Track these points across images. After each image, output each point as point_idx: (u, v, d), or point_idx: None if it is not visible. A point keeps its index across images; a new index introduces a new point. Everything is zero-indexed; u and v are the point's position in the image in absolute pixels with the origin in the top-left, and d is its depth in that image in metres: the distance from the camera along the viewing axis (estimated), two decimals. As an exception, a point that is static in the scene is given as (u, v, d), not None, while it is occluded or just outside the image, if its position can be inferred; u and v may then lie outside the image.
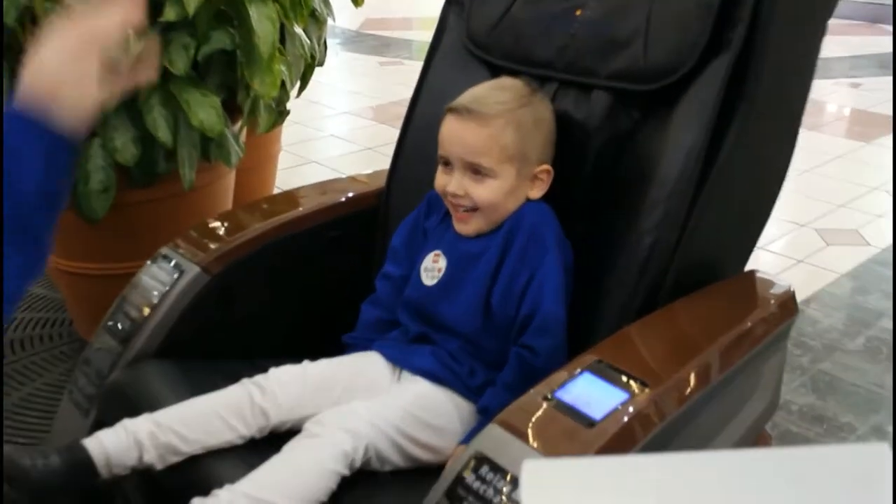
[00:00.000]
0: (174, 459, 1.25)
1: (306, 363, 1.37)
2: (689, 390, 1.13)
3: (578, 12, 1.49)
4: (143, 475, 1.27)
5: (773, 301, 1.36)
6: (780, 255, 3.20)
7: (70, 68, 0.87)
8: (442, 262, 1.41)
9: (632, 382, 1.10)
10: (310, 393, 1.31)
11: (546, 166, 1.39)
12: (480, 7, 1.61)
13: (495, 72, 1.58)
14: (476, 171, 1.35)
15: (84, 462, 1.21)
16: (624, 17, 1.42)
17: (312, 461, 1.16)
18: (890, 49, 6.38)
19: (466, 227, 1.39)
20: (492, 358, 1.34)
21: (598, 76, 1.45)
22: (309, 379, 1.33)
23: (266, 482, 1.14)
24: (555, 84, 1.50)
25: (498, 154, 1.34)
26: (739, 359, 1.23)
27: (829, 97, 5.15)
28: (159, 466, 1.25)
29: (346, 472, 1.17)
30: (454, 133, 1.36)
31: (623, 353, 1.16)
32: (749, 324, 1.27)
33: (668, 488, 0.76)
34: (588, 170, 1.43)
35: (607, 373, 1.11)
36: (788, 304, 1.37)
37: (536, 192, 1.39)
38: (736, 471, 0.79)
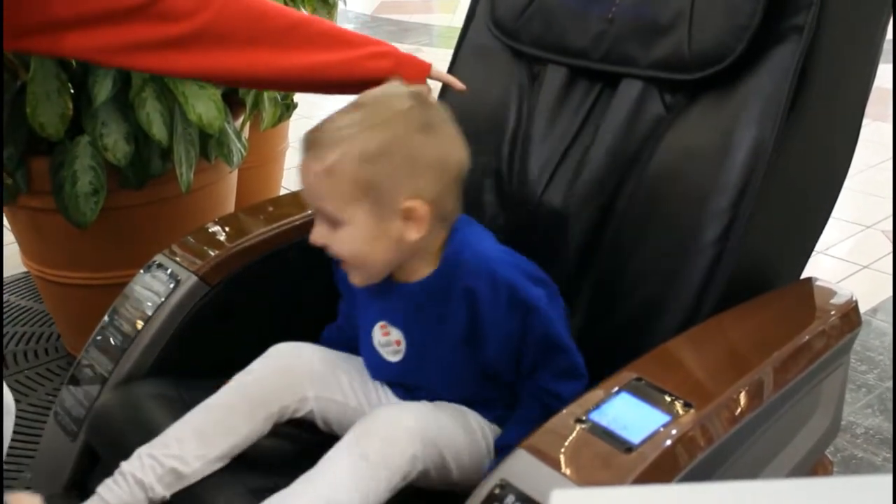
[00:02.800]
0: (183, 485, 1.26)
1: (299, 343, 1.40)
2: (738, 412, 1.12)
3: (619, -1, 1.50)
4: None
5: (833, 311, 1.35)
6: (842, 260, 3.20)
7: None
8: (395, 334, 1.34)
9: (675, 403, 1.09)
10: (310, 372, 1.35)
11: (416, 202, 1.20)
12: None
13: (524, 62, 1.60)
14: (329, 217, 1.22)
15: None
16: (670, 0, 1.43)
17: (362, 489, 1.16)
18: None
19: (355, 279, 1.29)
20: (507, 398, 1.34)
21: (638, 65, 1.45)
22: (307, 357, 1.37)
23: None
24: (584, 76, 1.53)
25: (339, 195, 1.19)
26: (796, 376, 1.22)
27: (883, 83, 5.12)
28: (167, 494, 1.26)
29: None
30: (301, 172, 1.24)
31: (665, 371, 1.16)
32: (806, 337, 1.26)
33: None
34: (627, 169, 1.44)
35: (647, 392, 1.11)
36: (850, 314, 1.37)
37: (413, 233, 1.21)
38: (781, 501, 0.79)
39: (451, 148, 1.24)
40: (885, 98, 4.89)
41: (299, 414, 1.36)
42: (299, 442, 1.38)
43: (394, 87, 1.29)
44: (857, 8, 1.38)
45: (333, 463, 1.18)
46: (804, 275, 1.50)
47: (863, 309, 2.82)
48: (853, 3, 1.36)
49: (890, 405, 2.43)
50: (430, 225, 1.23)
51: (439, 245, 1.28)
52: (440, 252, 1.28)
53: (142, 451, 1.27)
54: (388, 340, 1.34)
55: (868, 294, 2.96)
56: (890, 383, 2.52)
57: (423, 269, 1.29)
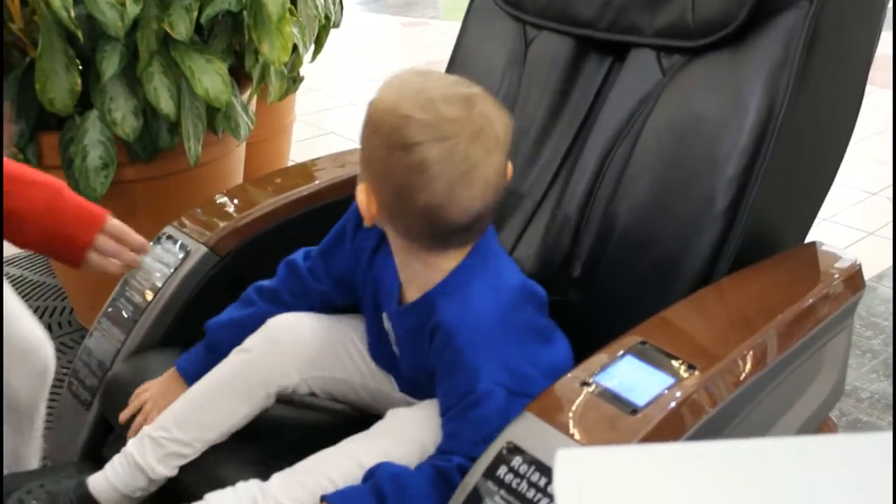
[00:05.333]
0: (183, 462, 1.28)
1: (301, 314, 1.35)
2: (743, 374, 1.13)
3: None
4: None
5: (836, 275, 1.35)
6: (848, 226, 3.19)
7: None
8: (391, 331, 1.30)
9: (679, 366, 1.10)
10: (304, 350, 1.31)
11: (367, 196, 1.17)
12: (512, -43, 1.62)
13: (529, 32, 1.60)
14: None
15: None
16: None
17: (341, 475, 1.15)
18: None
19: None
20: None
21: (643, 33, 1.45)
22: (304, 332, 1.32)
23: (288, 483, 1.15)
24: (594, 48, 1.52)
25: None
26: (799, 339, 1.22)
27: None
28: (172, 474, 1.27)
29: None
30: None
31: (669, 334, 1.16)
32: (810, 300, 1.27)
33: (713, 480, 0.77)
34: (634, 136, 1.43)
35: (652, 355, 1.12)
36: (854, 278, 1.36)
37: (367, 220, 1.19)
38: (787, 461, 0.79)
39: (422, 186, 1.09)
40: (889, 65, 4.87)
41: (301, 391, 1.34)
42: (301, 409, 1.39)
43: (459, 88, 1.14)
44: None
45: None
46: (809, 240, 1.50)
47: (868, 275, 2.83)
48: None
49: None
50: (389, 230, 1.19)
51: (441, 272, 1.19)
52: (439, 280, 1.19)
53: (144, 433, 1.28)
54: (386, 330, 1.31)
55: (874, 261, 2.96)
56: (895, 348, 2.53)
57: (414, 292, 1.23)
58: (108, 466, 1.28)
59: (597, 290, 1.42)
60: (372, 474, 1.10)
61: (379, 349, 1.33)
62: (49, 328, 2.48)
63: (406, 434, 1.17)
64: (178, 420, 1.27)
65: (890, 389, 2.36)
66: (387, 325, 1.29)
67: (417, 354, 1.21)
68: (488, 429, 1.08)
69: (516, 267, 1.26)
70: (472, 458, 1.07)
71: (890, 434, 0.85)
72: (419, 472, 1.10)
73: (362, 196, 1.15)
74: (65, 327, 2.50)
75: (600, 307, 1.40)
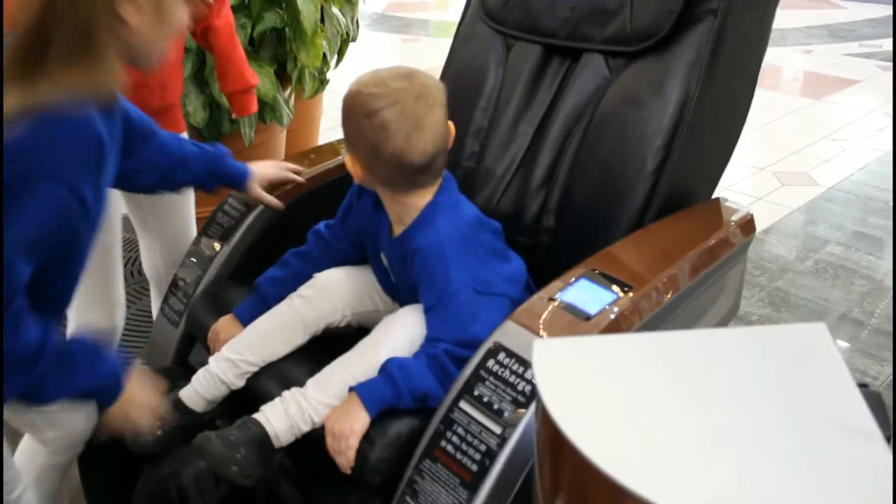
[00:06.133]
0: (251, 373, 1.28)
1: (340, 269, 1.37)
2: (665, 291, 1.16)
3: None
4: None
5: (734, 222, 1.38)
6: (742, 194, 3.22)
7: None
8: (386, 263, 1.32)
9: (620, 286, 1.13)
10: (346, 296, 1.32)
11: (350, 160, 1.21)
12: (493, -15, 1.62)
13: (508, 42, 1.60)
14: None
15: (189, 413, 1.26)
16: (618, -10, 1.43)
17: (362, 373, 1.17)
18: (839, 20, 6.29)
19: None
20: None
21: (593, 41, 1.46)
22: (344, 283, 1.34)
23: (322, 387, 1.17)
24: (556, 53, 1.53)
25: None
26: (706, 268, 1.25)
27: (785, 62, 5.10)
28: (241, 384, 1.28)
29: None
30: None
31: (613, 263, 1.19)
32: (714, 240, 1.30)
33: (647, 356, 0.82)
34: (588, 118, 1.44)
35: (599, 279, 1.15)
36: (747, 225, 1.39)
37: (356, 178, 1.24)
38: (700, 344, 0.84)
39: (388, 141, 1.14)
40: (773, 73, 4.89)
41: (341, 325, 1.34)
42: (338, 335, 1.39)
43: (397, 74, 1.18)
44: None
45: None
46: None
47: (757, 231, 2.88)
48: None
49: (776, 300, 2.49)
50: (373, 182, 1.22)
51: (414, 213, 1.23)
52: (414, 217, 1.23)
53: (221, 355, 1.28)
54: (385, 266, 1.34)
55: (762, 220, 3.00)
56: (776, 284, 2.58)
57: (399, 229, 1.26)
58: (195, 380, 1.28)
59: (561, 233, 1.43)
60: (384, 367, 1.13)
61: (384, 281, 1.35)
62: (140, 272, 2.46)
63: (401, 329, 1.20)
64: (250, 346, 1.28)
65: (774, 314, 2.42)
66: (384, 261, 1.32)
67: (407, 276, 1.25)
68: (462, 318, 1.14)
69: (473, 206, 1.30)
70: (455, 343, 1.12)
71: (772, 327, 0.89)
72: (417, 359, 1.13)
73: (349, 162, 1.21)
74: (135, 277, 2.44)
75: (564, 246, 1.41)
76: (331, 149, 1.81)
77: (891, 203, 3.13)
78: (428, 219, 1.21)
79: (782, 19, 6.41)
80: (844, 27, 6.04)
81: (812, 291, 2.52)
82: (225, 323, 1.37)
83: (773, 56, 5.20)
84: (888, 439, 0.77)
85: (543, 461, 0.78)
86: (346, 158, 1.22)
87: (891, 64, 5.01)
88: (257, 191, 1.46)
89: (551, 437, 0.73)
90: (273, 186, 1.52)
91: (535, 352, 0.81)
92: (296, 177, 1.53)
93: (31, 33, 0.91)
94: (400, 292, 1.32)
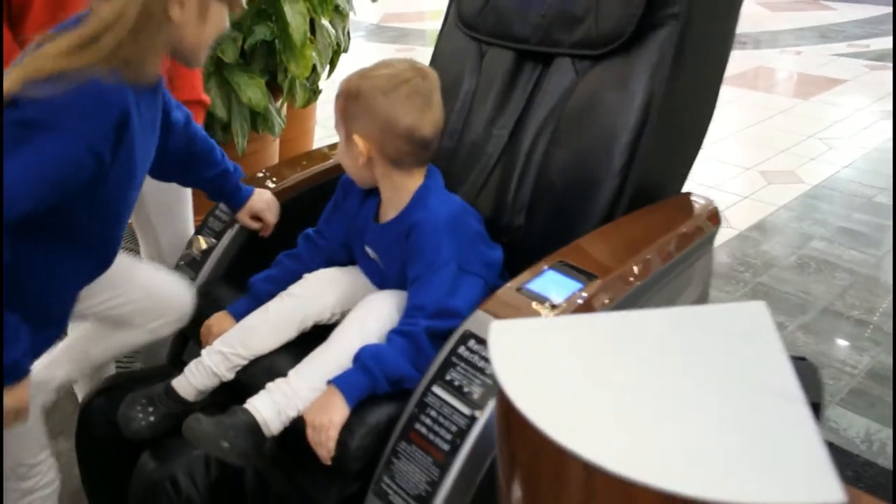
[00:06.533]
0: (241, 366, 1.34)
1: (329, 270, 1.43)
2: (631, 280, 1.22)
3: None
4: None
5: (700, 214, 1.43)
6: (729, 192, 3.27)
7: None
8: (373, 254, 1.39)
9: (585, 275, 1.19)
10: (334, 294, 1.38)
11: (359, 138, 1.29)
12: (469, -4, 1.70)
13: (483, 48, 1.67)
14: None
15: (180, 402, 1.32)
16: (585, -3, 1.50)
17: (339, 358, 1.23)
18: (829, 21, 6.35)
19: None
20: None
21: (562, 46, 1.52)
22: (333, 282, 1.40)
23: (303, 374, 1.23)
24: (529, 58, 1.59)
25: (338, 118, 1.34)
26: (673, 257, 1.30)
27: (775, 63, 5.16)
28: (231, 377, 1.33)
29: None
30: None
31: (580, 255, 1.24)
32: (679, 231, 1.35)
33: (597, 334, 0.88)
34: (556, 119, 1.49)
35: (567, 269, 1.20)
36: (713, 216, 1.44)
37: (361, 159, 1.31)
38: (647, 321, 0.90)
39: (405, 115, 1.26)
40: (763, 74, 4.95)
41: (330, 322, 1.38)
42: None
43: (400, 61, 1.32)
44: (717, 2, 1.45)
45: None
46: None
47: (743, 227, 2.92)
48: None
49: (759, 294, 2.54)
50: (378, 160, 1.30)
51: (407, 196, 1.32)
52: (408, 200, 1.32)
53: (213, 348, 1.33)
54: (372, 258, 1.40)
55: (748, 216, 3.06)
56: (760, 279, 2.63)
57: (392, 213, 1.34)
58: (187, 371, 1.33)
59: (535, 230, 1.48)
60: (358, 357, 1.19)
61: (372, 275, 1.42)
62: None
63: (374, 315, 1.27)
64: (240, 341, 1.33)
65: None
66: (371, 254, 1.39)
67: (396, 257, 1.32)
68: (444, 290, 1.21)
69: (457, 196, 1.38)
70: (434, 312, 1.19)
71: (715, 306, 0.95)
72: (390, 344, 1.20)
73: (359, 142, 1.29)
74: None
75: (538, 242, 1.45)
76: (321, 155, 1.88)
77: (875, 199, 3.18)
78: (422, 199, 1.31)
79: (774, 22, 6.45)
80: (834, 28, 6.10)
81: (795, 286, 2.58)
82: (218, 318, 1.43)
83: (763, 58, 5.26)
84: (816, 404, 0.84)
85: (500, 433, 0.84)
86: (355, 141, 1.29)
87: (878, 63, 5.06)
88: (243, 218, 1.55)
89: (504, 408, 0.79)
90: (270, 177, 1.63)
91: (490, 332, 0.87)
92: (269, 223, 1.57)
93: (100, 20, 1.05)
94: (389, 281, 1.38)
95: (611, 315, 0.90)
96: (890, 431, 1.95)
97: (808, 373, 0.88)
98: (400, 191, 1.33)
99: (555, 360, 0.83)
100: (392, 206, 1.35)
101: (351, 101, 1.29)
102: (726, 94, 4.56)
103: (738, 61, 5.25)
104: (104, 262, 1.26)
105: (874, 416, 1.99)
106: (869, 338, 2.29)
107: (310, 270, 1.43)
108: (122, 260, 1.35)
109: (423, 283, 1.24)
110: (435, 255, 1.24)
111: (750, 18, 6.50)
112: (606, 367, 0.82)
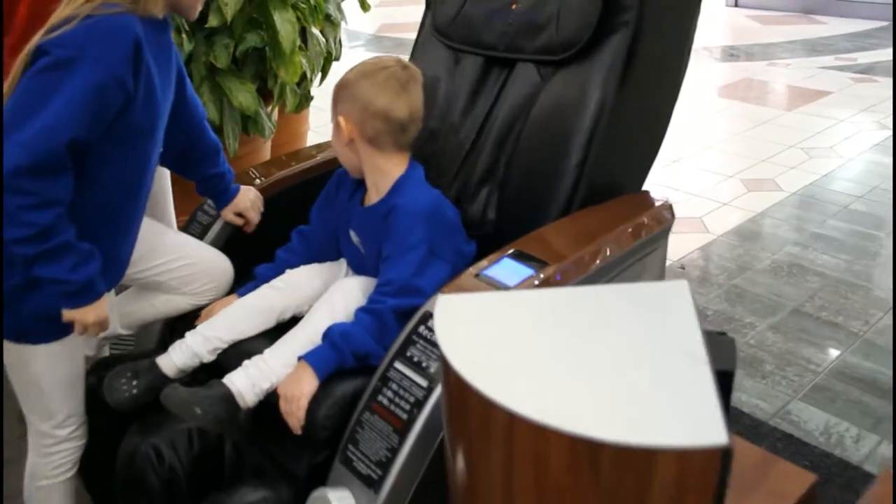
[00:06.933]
0: (221, 349, 1.43)
1: (310, 266, 1.54)
2: (580, 268, 1.31)
3: (514, 6, 1.67)
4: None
5: (654, 210, 1.52)
6: (710, 199, 3.37)
7: None
8: (356, 238, 1.50)
9: (538, 263, 1.28)
10: (313, 290, 1.48)
11: (342, 119, 1.44)
12: (441, 7, 1.80)
13: (452, 53, 1.77)
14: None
15: (162, 377, 1.41)
16: (544, 7, 1.59)
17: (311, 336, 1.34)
18: (818, 34, 6.47)
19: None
20: None
21: (527, 52, 1.62)
22: (311, 279, 1.50)
23: (276, 352, 1.34)
24: (496, 63, 1.69)
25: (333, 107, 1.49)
26: (624, 249, 1.39)
27: (763, 75, 5.26)
28: (211, 359, 1.43)
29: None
30: None
31: (535, 245, 1.34)
32: (632, 224, 1.44)
33: (531, 306, 0.98)
34: (523, 121, 1.59)
35: (522, 257, 1.30)
36: (665, 212, 1.53)
37: (345, 140, 1.45)
38: (580, 297, 1.00)
39: (381, 96, 1.41)
40: (747, 85, 5.05)
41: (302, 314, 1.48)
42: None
43: (389, 56, 1.51)
44: (669, 7, 1.54)
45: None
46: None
47: (720, 232, 3.02)
48: (667, 7, 1.52)
49: (732, 296, 2.63)
50: (360, 141, 1.43)
51: (389, 181, 1.44)
52: (391, 189, 1.44)
53: (197, 330, 1.43)
54: (355, 243, 1.51)
55: (726, 222, 3.16)
56: (734, 281, 2.72)
57: (375, 198, 1.46)
58: (171, 349, 1.43)
59: (502, 225, 1.58)
60: (327, 334, 1.29)
61: (354, 260, 1.53)
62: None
63: (341, 299, 1.38)
64: (223, 325, 1.43)
65: (729, 309, 2.56)
66: (355, 239, 1.49)
67: (375, 241, 1.43)
68: (412, 269, 1.32)
69: (437, 189, 1.50)
70: (400, 288, 1.30)
71: (636, 284, 1.05)
72: (358, 322, 1.30)
73: (343, 123, 1.43)
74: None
75: (504, 236, 1.49)
76: (307, 153, 1.97)
77: (850, 206, 3.28)
78: (403, 184, 1.44)
79: (765, 35, 6.54)
80: (823, 42, 6.21)
81: (767, 288, 2.67)
82: (223, 301, 1.55)
83: (753, 70, 5.37)
84: (730, 372, 0.94)
85: (443, 391, 0.93)
86: (340, 120, 1.43)
87: (863, 75, 5.17)
88: (227, 215, 1.66)
89: (444, 369, 0.89)
90: (256, 175, 1.74)
91: (437, 305, 0.97)
92: (252, 220, 1.68)
93: None
94: (367, 266, 1.48)
95: (545, 291, 1.00)
96: (848, 424, 2.04)
97: (722, 344, 0.98)
98: (382, 174, 1.45)
99: (491, 328, 0.93)
100: (375, 190, 1.47)
101: (340, 88, 1.45)
102: (715, 104, 4.71)
103: (728, 73, 5.36)
104: (138, 209, 1.38)
105: (834, 412, 2.08)
106: (834, 338, 2.39)
107: (304, 261, 1.55)
108: (167, 231, 1.55)
109: (392, 261, 1.35)
110: (407, 235, 1.36)
111: (742, 32, 6.62)
112: (535, 334, 0.92)
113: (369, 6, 3.11)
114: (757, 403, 2.11)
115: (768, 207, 3.28)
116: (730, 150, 3.93)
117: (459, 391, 0.85)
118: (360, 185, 1.53)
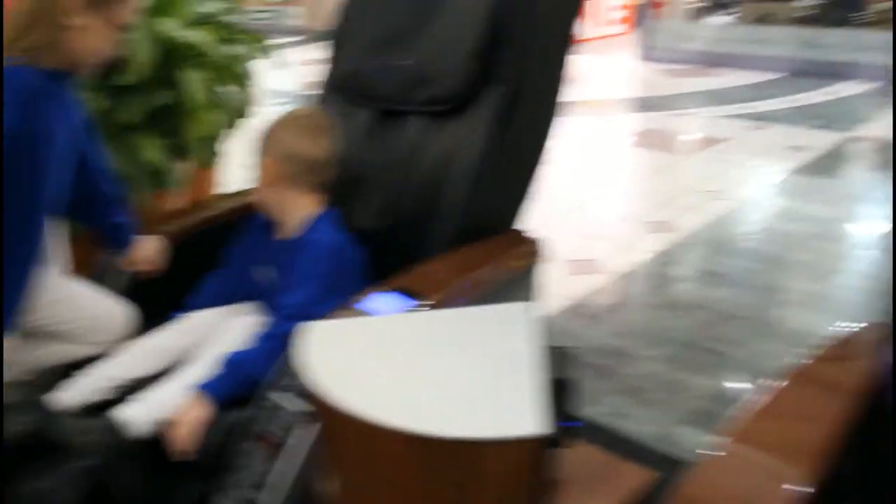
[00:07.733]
0: (113, 388, 1.51)
1: (214, 310, 1.65)
2: (449, 301, 1.42)
3: (404, 63, 1.84)
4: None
5: (523, 247, 1.67)
6: (608, 240, 3.58)
7: None
8: (271, 271, 1.64)
9: (410, 296, 1.40)
10: (210, 334, 1.58)
11: (268, 160, 1.63)
12: (338, 64, 1.96)
13: (352, 106, 1.91)
14: None
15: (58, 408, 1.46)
16: (432, 64, 1.76)
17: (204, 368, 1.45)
18: (717, 86, 6.89)
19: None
20: None
21: (416, 104, 1.79)
22: (212, 324, 1.60)
23: (174, 383, 1.44)
24: (390, 114, 1.84)
25: None
26: (492, 282, 1.54)
27: (666, 124, 5.59)
28: (106, 397, 1.49)
29: None
30: None
31: (411, 280, 1.46)
32: (501, 261, 1.58)
33: (388, 329, 1.11)
34: (413, 165, 1.75)
35: (398, 291, 1.40)
36: (535, 249, 1.68)
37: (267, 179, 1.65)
38: (433, 319, 1.13)
39: (298, 140, 1.60)
40: (651, 135, 5.33)
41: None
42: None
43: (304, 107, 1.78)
44: (543, 65, 1.73)
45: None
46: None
47: (621, 272, 3.16)
48: (539, 62, 1.71)
49: (624, 331, 2.80)
50: (282, 183, 1.59)
51: (307, 219, 1.59)
52: (306, 226, 1.59)
53: (95, 367, 1.51)
54: (260, 279, 1.63)
55: (625, 264, 3.34)
56: (629, 316, 2.89)
57: (289, 233, 1.61)
58: (70, 383, 1.49)
59: (388, 258, 1.65)
60: (223, 362, 1.41)
61: (263, 296, 1.63)
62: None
63: (241, 325, 1.52)
64: (122, 365, 1.52)
65: (618, 342, 2.73)
66: (267, 275, 1.63)
67: (289, 268, 1.55)
68: (308, 297, 1.46)
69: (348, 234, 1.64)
70: (292, 314, 1.40)
71: (482, 307, 1.19)
72: (254, 350, 1.42)
73: (270, 164, 1.60)
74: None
75: (390, 269, 1.60)
76: (213, 202, 2.08)
77: (739, 244, 3.52)
78: (317, 223, 1.61)
79: (669, 87, 6.93)
80: (723, 92, 6.62)
81: (660, 321, 2.85)
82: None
83: (657, 119, 5.69)
84: (564, 380, 1.08)
85: (316, 412, 1.05)
86: (267, 164, 1.60)
87: (760, 122, 5.53)
88: (129, 263, 1.74)
89: (310, 388, 1.01)
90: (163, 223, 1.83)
91: (304, 329, 1.09)
92: (153, 268, 1.76)
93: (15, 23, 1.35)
94: (276, 298, 1.56)
95: (403, 316, 1.13)
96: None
97: (558, 356, 1.12)
98: (297, 210, 1.61)
99: (347, 346, 1.06)
100: (290, 225, 1.61)
101: (263, 135, 1.63)
102: (624, 152, 4.98)
103: (633, 123, 5.68)
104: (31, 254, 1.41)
105: (716, 432, 2.24)
106: (716, 365, 2.57)
107: (212, 305, 1.65)
108: (63, 281, 1.57)
109: (294, 287, 1.50)
110: (312, 266, 1.52)
111: (648, 85, 7.01)
112: (393, 350, 1.05)
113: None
114: (640, 429, 2.26)
115: (664, 248, 3.50)
116: (630, 194, 4.18)
117: (318, 401, 0.97)
118: (272, 225, 1.66)
